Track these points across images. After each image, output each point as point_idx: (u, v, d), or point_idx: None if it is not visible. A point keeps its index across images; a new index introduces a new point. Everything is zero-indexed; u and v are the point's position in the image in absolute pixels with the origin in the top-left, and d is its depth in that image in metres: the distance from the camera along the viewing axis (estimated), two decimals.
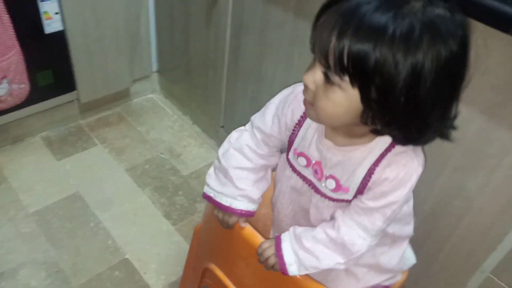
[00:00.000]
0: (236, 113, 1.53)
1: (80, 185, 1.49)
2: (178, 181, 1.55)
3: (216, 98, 1.58)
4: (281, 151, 0.84)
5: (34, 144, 1.62)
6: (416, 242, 1.10)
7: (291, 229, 0.77)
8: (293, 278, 0.75)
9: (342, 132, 0.67)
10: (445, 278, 1.06)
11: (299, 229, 0.75)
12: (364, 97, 0.55)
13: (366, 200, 0.69)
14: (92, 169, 1.56)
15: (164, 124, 1.79)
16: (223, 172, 0.82)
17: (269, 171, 0.86)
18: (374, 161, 0.67)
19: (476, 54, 0.81)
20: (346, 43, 0.52)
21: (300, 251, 0.73)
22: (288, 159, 0.79)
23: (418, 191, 1.03)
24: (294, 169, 0.78)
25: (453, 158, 0.92)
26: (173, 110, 1.86)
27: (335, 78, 0.56)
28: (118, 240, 1.35)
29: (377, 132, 0.63)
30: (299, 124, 0.74)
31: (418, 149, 0.69)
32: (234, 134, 0.84)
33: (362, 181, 0.69)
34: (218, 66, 1.50)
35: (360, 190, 0.70)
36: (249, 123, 0.84)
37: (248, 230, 0.78)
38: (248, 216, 0.82)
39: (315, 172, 0.74)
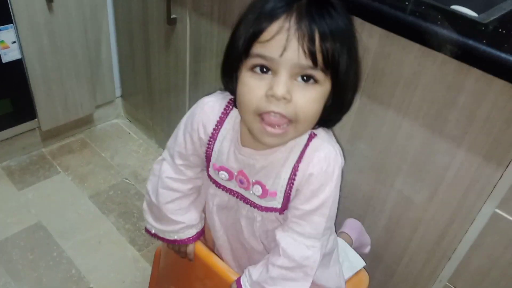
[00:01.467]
0: None
1: (42, 214, 1.46)
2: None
3: (180, 121, 1.59)
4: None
5: None
6: (375, 256, 1.12)
7: (247, 275, 0.74)
8: None
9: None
10: None
11: (255, 275, 0.73)
12: (336, 87, 0.63)
13: (300, 205, 0.69)
14: (55, 197, 1.53)
15: (129, 149, 1.78)
16: (156, 208, 0.82)
17: (201, 188, 0.84)
18: (296, 159, 0.68)
19: (414, 71, 0.85)
20: (330, 43, 0.59)
21: None
22: (209, 176, 0.77)
23: (372, 204, 1.06)
24: (218, 185, 0.77)
25: (401, 173, 0.96)
26: (138, 135, 1.85)
27: (319, 75, 0.60)
28: (82, 269, 1.32)
29: (324, 123, 0.69)
30: (213, 137, 0.73)
31: (332, 140, 0.72)
32: (155, 167, 0.83)
33: (288, 182, 0.69)
34: (180, 90, 1.51)
35: (288, 194, 0.69)
36: (165, 150, 0.82)
37: (203, 251, 0.79)
38: (198, 238, 0.82)
39: (240, 182, 0.73)
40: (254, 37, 0.59)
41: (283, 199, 0.70)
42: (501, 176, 0.81)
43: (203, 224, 0.84)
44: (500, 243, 0.86)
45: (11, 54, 1.40)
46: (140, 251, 1.39)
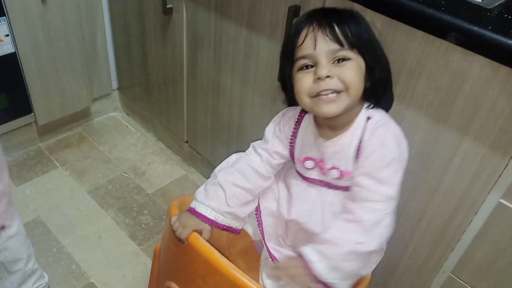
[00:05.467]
0: (199, 127, 1.52)
1: (41, 210, 1.45)
2: (143, 200, 1.53)
3: (178, 114, 1.57)
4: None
5: None
6: None
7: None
8: None
9: (329, 126, 0.81)
10: (410, 280, 1.07)
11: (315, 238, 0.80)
12: (368, 60, 0.75)
13: (363, 175, 0.77)
14: (53, 192, 1.52)
15: (127, 142, 1.76)
16: (216, 187, 0.87)
17: (257, 197, 0.93)
18: (358, 139, 0.78)
19: (418, 59, 0.84)
20: (347, 28, 0.73)
21: (319, 246, 0.75)
22: (298, 173, 0.89)
23: None
24: (303, 178, 0.88)
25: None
26: (136, 128, 1.83)
27: (349, 53, 0.73)
28: (82, 265, 1.31)
29: (373, 95, 0.79)
30: (294, 135, 0.87)
31: (388, 120, 0.80)
32: (233, 156, 0.93)
33: (355, 154, 0.78)
34: (177, 82, 1.49)
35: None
36: (250, 147, 0.93)
37: (205, 247, 0.77)
38: (230, 231, 0.89)
39: (321, 168, 0.84)
40: (293, 47, 0.76)
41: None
42: (506, 166, 0.80)
43: (241, 226, 0.91)
44: (505, 234, 0.85)
45: (5, 48, 1.38)
46: (140, 246, 1.38)
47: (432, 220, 0.96)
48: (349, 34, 0.73)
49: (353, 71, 0.74)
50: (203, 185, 0.91)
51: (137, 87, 1.72)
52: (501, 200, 0.83)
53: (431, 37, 0.78)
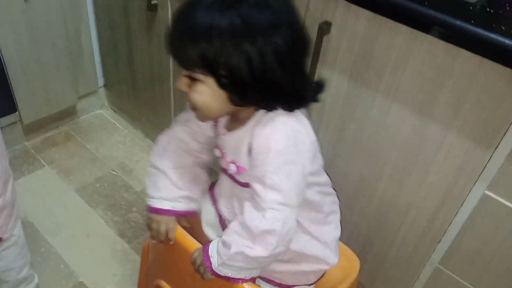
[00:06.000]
0: None
1: (28, 210, 1.44)
2: (131, 197, 1.52)
3: (165, 110, 1.56)
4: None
5: None
6: (366, 241, 1.12)
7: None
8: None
9: (231, 118, 0.78)
10: (398, 271, 1.09)
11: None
12: (220, 84, 0.67)
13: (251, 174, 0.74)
14: (40, 192, 1.50)
15: (115, 140, 1.75)
16: (160, 176, 0.85)
17: (205, 172, 0.90)
18: (251, 135, 0.73)
19: (403, 54, 0.84)
20: (190, 48, 0.65)
21: (219, 244, 0.75)
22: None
23: (363, 189, 1.05)
24: (221, 168, 0.85)
25: (391, 157, 0.95)
26: (123, 125, 1.82)
27: (197, 75, 0.67)
28: (71, 264, 1.30)
29: (255, 105, 0.73)
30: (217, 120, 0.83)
31: (287, 118, 0.73)
32: (162, 138, 0.89)
33: (248, 153, 0.75)
34: (164, 78, 1.48)
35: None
36: (174, 122, 0.89)
37: (193, 245, 0.77)
38: (192, 215, 0.85)
39: (224, 160, 0.82)
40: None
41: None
42: (490, 158, 0.81)
43: (198, 208, 0.88)
44: (490, 225, 0.87)
45: None
46: (129, 243, 1.37)
47: (419, 212, 0.97)
48: (192, 55, 0.65)
49: (199, 94, 0.69)
50: (148, 178, 0.89)
51: (124, 84, 1.71)
52: (486, 192, 0.84)
53: (414, 31, 0.78)
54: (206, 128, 0.85)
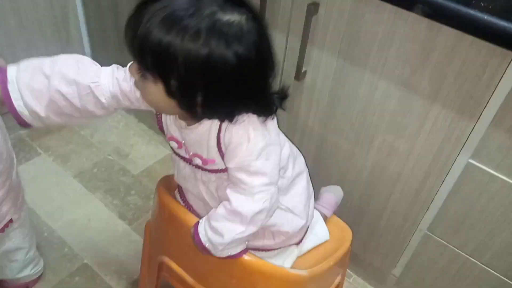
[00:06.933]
0: None
1: (28, 196, 1.43)
2: (129, 181, 1.56)
3: None
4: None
5: None
6: (357, 212, 1.18)
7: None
8: (241, 261, 0.79)
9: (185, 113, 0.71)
10: (389, 239, 1.15)
11: (212, 210, 0.79)
12: (169, 92, 0.64)
13: (228, 165, 0.74)
14: (39, 179, 1.53)
15: (109, 125, 1.77)
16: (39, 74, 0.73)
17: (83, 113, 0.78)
18: (217, 129, 0.72)
19: (388, 31, 0.87)
20: (144, 53, 0.61)
21: (209, 231, 0.77)
22: (172, 149, 0.83)
23: (354, 162, 1.10)
24: (175, 153, 0.83)
25: (380, 130, 0.99)
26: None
27: (148, 74, 0.64)
28: (75, 247, 1.34)
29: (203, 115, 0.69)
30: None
31: (250, 121, 0.72)
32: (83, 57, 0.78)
33: (218, 149, 0.74)
34: None
35: (223, 157, 0.75)
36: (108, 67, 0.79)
37: (195, 219, 0.81)
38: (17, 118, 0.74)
39: (185, 152, 0.80)
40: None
41: (223, 161, 0.76)
42: (473, 128, 0.86)
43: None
44: (474, 191, 0.92)
45: None
46: (130, 225, 1.41)
47: (407, 182, 1.02)
48: (148, 58, 0.62)
49: (147, 92, 0.67)
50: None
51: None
52: (470, 160, 0.89)
53: (399, 9, 0.81)
54: (140, 102, 0.77)
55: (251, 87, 0.67)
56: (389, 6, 0.83)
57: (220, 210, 0.76)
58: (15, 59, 0.75)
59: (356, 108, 1.00)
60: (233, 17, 0.61)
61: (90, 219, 1.42)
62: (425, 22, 0.80)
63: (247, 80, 0.65)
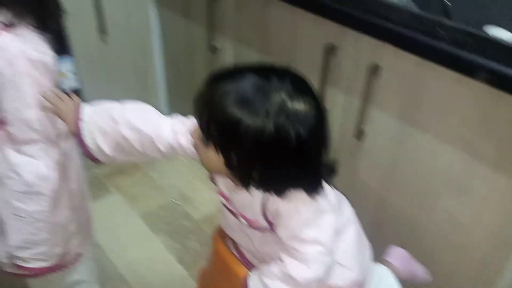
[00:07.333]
0: None
1: (96, 232, 1.55)
2: (190, 225, 1.60)
3: None
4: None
5: None
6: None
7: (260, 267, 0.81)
8: None
9: None
10: None
11: (265, 267, 0.79)
12: (227, 162, 0.68)
13: (279, 233, 0.75)
14: (108, 216, 1.62)
15: (176, 170, 1.85)
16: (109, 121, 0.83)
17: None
18: (260, 199, 0.74)
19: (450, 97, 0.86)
20: (212, 126, 0.66)
21: None
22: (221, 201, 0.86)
23: (416, 231, 1.04)
24: (224, 206, 0.85)
25: (443, 197, 0.95)
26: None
27: (209, 143, 0.68)
28: (134, 285, 1.39)
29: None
30: None
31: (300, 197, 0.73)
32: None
33: (263, 215, 0.76)
34: None
35: (267, 220, 0.76)
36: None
37: (245, 271, 0.82)
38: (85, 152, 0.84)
39: (233, 206, 0.82)
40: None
41: (267, 223, 0.77)
42: None
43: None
44: None
45: (70, 83, 1.52)
46: (188, 270, 1.44)
47: (471, 255, 0.95)
48: (205, 132, 0.68)
49: (206, 158, 0.70)
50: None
51: None
52: None
53: (462, 76, 0.80)
54: (195, 155, 0.80)
55: (306, 166, 0.69)
56: (449, 72, 0.82)
57: (274, 269, 0.77)
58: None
59: (419, 173, 0.98)
60: (299, 106, 0.64)
61: (151, 260, 1.47)
62: (489, 89, 0.78)
63: (303, 160, 0.67)
